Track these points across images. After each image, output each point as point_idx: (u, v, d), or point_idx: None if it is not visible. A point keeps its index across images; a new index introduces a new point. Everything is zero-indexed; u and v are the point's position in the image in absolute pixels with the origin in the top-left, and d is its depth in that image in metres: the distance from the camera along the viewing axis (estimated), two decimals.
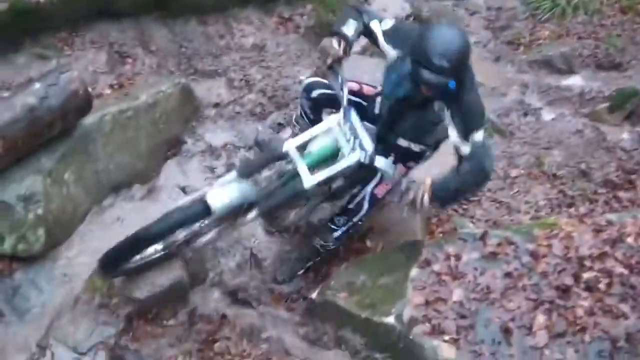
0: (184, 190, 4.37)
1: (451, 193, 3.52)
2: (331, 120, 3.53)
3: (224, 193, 3.50)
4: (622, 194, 4.75)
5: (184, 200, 3.67)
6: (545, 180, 4.91)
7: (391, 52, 3.58)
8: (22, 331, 3.69)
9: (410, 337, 3.30)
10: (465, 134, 3.39)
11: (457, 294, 3.40)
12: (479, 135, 3.41)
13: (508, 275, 3.46)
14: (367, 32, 3.63)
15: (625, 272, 3.46)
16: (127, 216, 4.15)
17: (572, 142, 5.31)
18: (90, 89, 4.05)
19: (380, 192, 3.80)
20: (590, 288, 3.40)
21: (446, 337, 3.24)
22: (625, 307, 3.31)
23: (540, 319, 3.29)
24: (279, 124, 4.86)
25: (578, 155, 5.18)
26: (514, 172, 5.04)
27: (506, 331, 3.26)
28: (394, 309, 3.40)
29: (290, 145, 3.49)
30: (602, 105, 5.84)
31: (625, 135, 5.54)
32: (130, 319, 3.68)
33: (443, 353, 3.21)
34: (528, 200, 4.65)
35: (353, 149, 3.43)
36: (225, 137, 4.75)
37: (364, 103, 3.82)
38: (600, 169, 5.05)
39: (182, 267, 3.84)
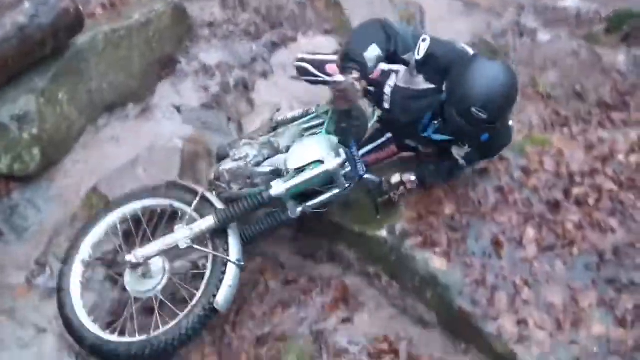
0: (178, 109, 4.37)
1: (439, 181, 3.49)
2: (330, 163, 3.11)
3: None
4: (615, 115, 4.74)
5: None
6: (539, 100, 4.90)
7: (422, 85, 3.09)
8: (21, 249, 3.74)
9: (402, 249, 3.37)
10: (470, 163, 3.35)
11: (449, 208, 3.46)
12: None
13: (499, 189, 3.52)
14: (395, 59, 3.10)
15: (615, 188, 3.52)
16: (122, 135, 4.17)
17: (567, 64, 5.27)
18: (81, 8, 3.98)
19: (370, 159, 3.59)
20: (579, 203, 3.47)
21: (437, 250, 3.32)
22: (613, 222, 3.40)
23: (530, 232, 3.37)
24: (274, 43, 4.83)
25: (573, 76, 5.15)
26: None
27: (497, 244, 3.33)
28: (387, 223, 3.45)
29: (280, 189, 3.17)
30: (599, 27, 5.78)
31: (620, 57, 5.49)
32: (128, 235, 3.72)
33: (434, 264, 3.28)
34: (521, 120, 4.65)
35: (347, 180, 3.20)
36: (219, 56, 4.70)
37: (370, 89, 3.22)
38: (595, 90, 5.03)
39: None
